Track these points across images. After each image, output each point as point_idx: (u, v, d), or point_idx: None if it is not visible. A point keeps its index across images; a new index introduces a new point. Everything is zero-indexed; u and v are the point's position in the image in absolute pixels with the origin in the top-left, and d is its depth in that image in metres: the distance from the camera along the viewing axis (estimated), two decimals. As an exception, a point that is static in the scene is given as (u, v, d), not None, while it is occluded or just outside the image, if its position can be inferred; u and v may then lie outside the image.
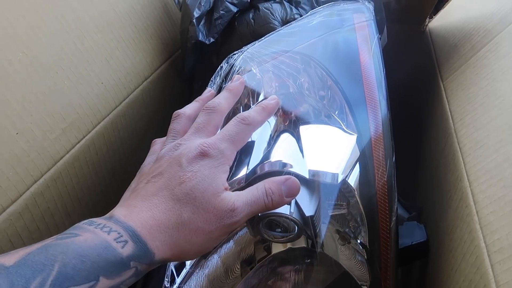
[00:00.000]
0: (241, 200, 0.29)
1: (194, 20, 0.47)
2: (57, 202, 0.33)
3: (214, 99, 0.34)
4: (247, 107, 0.40)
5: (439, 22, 0.61)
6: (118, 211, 0.26)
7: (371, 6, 0.49)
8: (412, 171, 0.55)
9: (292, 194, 0.31)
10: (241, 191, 0.30)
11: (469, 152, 0.35)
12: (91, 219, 0.25)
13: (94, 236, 0.24)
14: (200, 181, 0.28)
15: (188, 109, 0.35)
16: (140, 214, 0.26)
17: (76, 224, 0.25)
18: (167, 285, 0.36)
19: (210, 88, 0.40)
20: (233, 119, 0.32)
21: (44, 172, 0.32)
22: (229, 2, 0.49)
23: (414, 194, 0.53)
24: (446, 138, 0.41)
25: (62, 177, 0.34)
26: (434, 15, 0.63)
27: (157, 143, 0.36)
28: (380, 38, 0.50)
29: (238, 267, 0.39)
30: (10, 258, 0.21)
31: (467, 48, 0.47)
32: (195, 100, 0.38)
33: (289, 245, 0.39)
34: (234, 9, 0.49)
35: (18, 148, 0.30)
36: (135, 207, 0.27)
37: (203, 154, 0.29)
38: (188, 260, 0.31)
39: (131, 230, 0.25)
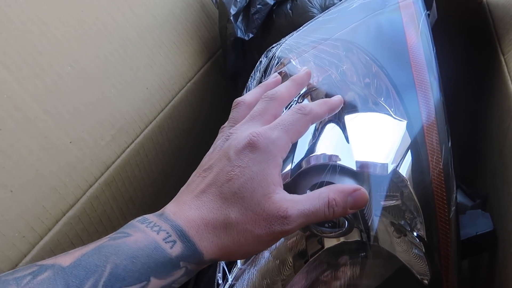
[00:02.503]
0: (296, 208, 0.26)
1: (231, 18, 0.47)
2: (112, 205, 0.34)
3: (275, 87, 0.32)
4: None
5: (497, -10, 0.56)
6: (169, 208, 0.26)
7: (416, -18, 0.45)
8: (473, 155, 0.51)
9: (358, 207, 0.29)
10: (298, 197, 0.27)
11: (537, 132, 0.32)
12: (144, 216, 0.26)
13: (144, 236, 0.24)
14: (248, 179, 0.26)
15: (249, 96, 0.33)
16: (189, 212, 0.26)
17: (130, 222, 0.25)
18: (220, 281, 0.36)
19: (276, 74, 0.39)
20: (289, 108, 0.30)
21: (98, 177, 0.34)
22: (266, -5, 0.48)
23: (475, 180, 0.49)
24: (511, 118, 0.37)
25: (115, 181, 0.36)
26: (492, -17, 0.57)
27: (221, 131, 0.34)
28: (429, 15, 0.47)
29: (291, 262, 0.39)
30: (67, 259, 0.22)
31: (531, 16, 0.42)
32: (258, 85, 0.36)
33: (342, 238, 0.38)
34: (271, 1, 0.49)
35: (73, 156, 0.32)
36: (184, 203, 0.26)
37: (252, 145, 0.27)
38: (237, 260, 0.31)
39: (179, 229, 0.25)
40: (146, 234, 0.24)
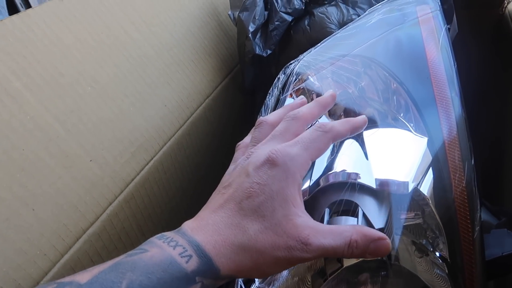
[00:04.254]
0: (318, 238, 0.26)
1: (250, 35, 0.47)
2: (131, 222, 0.35)
3: (298, 108, 0.32)
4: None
5: (520, 2, 0.55)
6: (187, 223, 0.26)
7: (435, -4, 0.45)
8: (497, 170, 0.49)
9: (378, 255, 0.28)
10: (321, 226, 0.27)
11: None
12: (163, 233, 0.25)
13: (160, 251, 0.24)
14: (268, 197, 0.26)
15: (272, 116, 0.33)
16: (207, 228, 0.25)
17: (149, 239, 0.25)
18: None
19: (302, 96, 0.39)
20: (312, 127, 0.29)
21: (118, 195, 0.34)
22: (283, 12, 0.48)
23: (500, 198, 0.47)
24: (536, 133, 0.36)
25: (135, 198, 0.36)
26: (514, -5, 0.56)
27: (240, 148, 0.34)
28: (449, 29, 0.46)
29: (309, 281, 0.38)
30: (84, 276, 0.22)
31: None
32: (283, 107, 0.36)
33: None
34: (289, 18, 0.49)
35: (93, 173, 0.32)
36: (203, 219, 0.26)
37: (271, 162, 0.26)
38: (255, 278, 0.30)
39: (196, 244, 0.24)
40: (163, 249, 0.24)
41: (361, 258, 0.29)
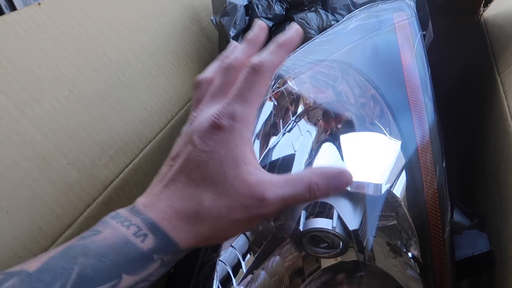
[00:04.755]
0: (275, 192, 0.25)
1: (230, 40, 0.48)
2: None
3: (230, 55, 0.29)
4: (286, 120, 0.40)
5: (494, 10, 0.56)
6: (140, 200, 0.25)
7: (412, 3, 0.46)
8: (470, 176, 0.51)
9: (342, 189, 0.28)
10: (277, 178, 0.26)
11: (530, 153, 0.32)
12: (117, 210, 0.25)
13: (113, 232, 0.23)
14: (217, 163, 0.25)
15: (208, 72, 0.30)
16: (160, 204, 0.24)
17: (103, 218, 0.24)
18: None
19: (233, 41, 0.36)
20: (242, 71, 0.27)
21: (96, 197, 0.35)
22: (264, 18, 0.49)
23: (473, 200, 0.48)
24: (505, 138, 0.37)
25: (114, 201, 0.37)
26: (489, 4, 0.58)
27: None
28: (425, 35, 0.48)
29: (288, 281, 0.39)
30: (33, 264, 0.21)
31: (526, 36, 0.42)
32: (217, 58, 0.32)
33: (339, 258, 0.38)
34: (270, 23, 0.50)
35: (70, 176, 0.32)
36: (155, 195, 0.25)
37: (215, 128, 0.25)
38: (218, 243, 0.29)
39: (150, 222, 0.23)
40: (116, 230, 0.23)
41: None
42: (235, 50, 0.29)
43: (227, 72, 0.27)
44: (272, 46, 0.28)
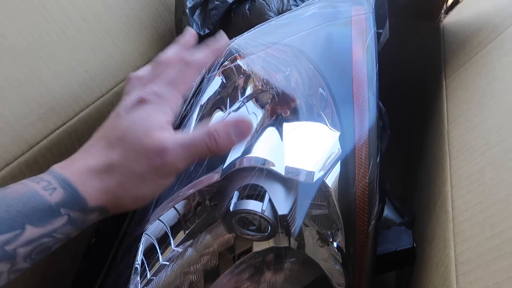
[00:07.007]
0: (174, 140, 0.26)
1: (187, 10, 0.46)
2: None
3: (162, 54, 0.32)
4: (234, 98, 0.39)
5: (453, 17, 0.58)
6: (57, 165, 0.26)
7: (372, -1, 0.46)
8: (413, 174, 0.52)
9: (242, 135, 0.29)
10: (181, 133, 0.28)
11: (456, 155, 0.33)
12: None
13: (23, 187, 0.24)
14: (132, 123, 0.27)
15: (141, 71, 0.33)
16: (75, 164, 0.26)
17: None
18: (139, 269, 0.35)
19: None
20: (173, 63, 0.31)
21: (18, 156, 0.33)
22: (225, -7, 0.48)
23: (412, 199, 0.50)
24: (439, 140, 0.38)
25: (39, 162, 0.35)
26: (450, 11, 0.60)
27: None
28: (381, 34, 0.48)
29: (216, 259, 0.39)
30: None
31: (474, 45, 0.44)
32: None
33: (271, 243, 0.38)
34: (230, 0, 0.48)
35: (-12, 131, 0.30)
36: (72, 159, 0.26)
37: (140, 101, 0.28)
38: (127, 209, 0.28)
39: (61, 178, 0.25)
40: (26, 185, 0.24)
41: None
42: (168, 50, 0.32)
43: (157, 66, 0.31)
44: (204, 48, 0.33)
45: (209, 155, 0.28)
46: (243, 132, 0.29)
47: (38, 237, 0.23)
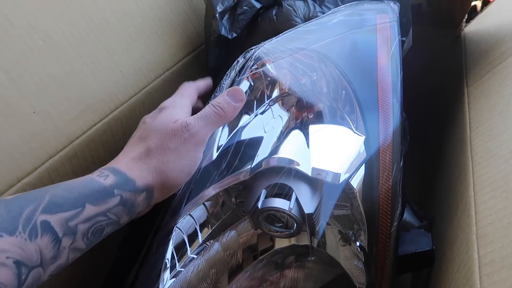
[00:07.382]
0: (193, 118, 0.33)
1: (217, 15, 0.48)
2: (71, 179, 0.35)
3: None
4: (261, 101, 0.41)
5: (475, 27, 0.59)
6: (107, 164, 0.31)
7: (396, 7, 0.47)
8: (432, 179, 0.53)
9: (239, 98, 0.36)
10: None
11: (479, 161, 0.34)
12: None
13: (81, 178, 0.29)
14: (158, 122, 0.33)
15: None
16: (119, 159, 0.32)
17: None
18: (168, 265, 0.37)
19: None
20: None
21: (60, 150, 0.35)
22: (253, -1, 0.49)
23: (430, 203, 0.51)
24: (461, 146, 0.39)
25: (78, 156, 0.37)
26: (471, 20, 0.60)
27: None
28: (404, 41, 0.49)
29: (240, 255, 0.40)
30: (9, 197, 0.25)
31: (497, 55, 0.44)
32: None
33: (293, 241, 0.39)
34: (258, 5, 0.50)
35: (34, 126, 0.32)
36: (115, 160, 0.32)
37: (161, 109, 0.35)
38: (175, 186, 0.34)
39: (111, 168, 0.30)
40: (83, 176, 0.29)
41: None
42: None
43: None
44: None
45: (222, 122, 0.35)
46: (237, 96, 0.36)
47: (95, 215, 0.27)
